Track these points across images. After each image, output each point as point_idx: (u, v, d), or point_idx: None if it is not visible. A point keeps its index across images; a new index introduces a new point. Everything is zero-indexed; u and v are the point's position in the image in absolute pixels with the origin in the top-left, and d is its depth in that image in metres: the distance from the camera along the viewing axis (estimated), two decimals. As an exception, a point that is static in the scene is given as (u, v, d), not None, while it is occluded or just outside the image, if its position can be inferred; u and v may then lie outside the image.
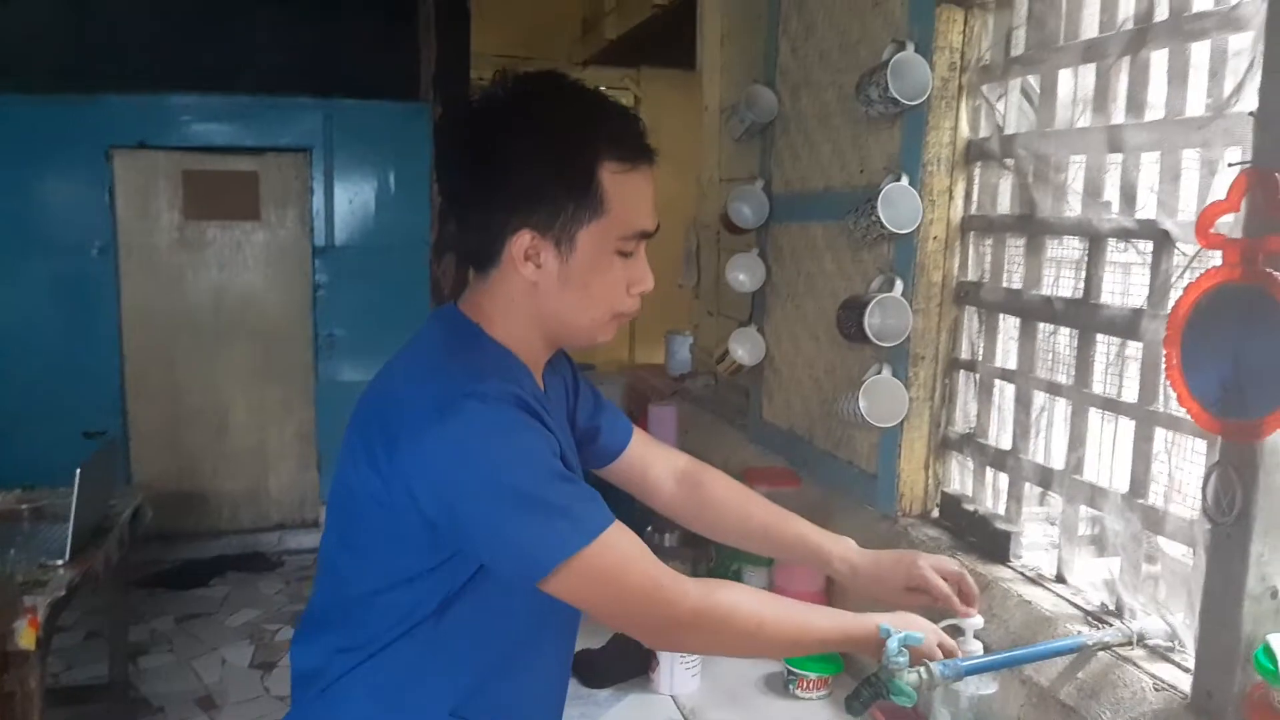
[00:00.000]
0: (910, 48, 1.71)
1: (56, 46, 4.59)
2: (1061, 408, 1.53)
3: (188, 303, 4.93)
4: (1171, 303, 1.18)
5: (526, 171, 1.09)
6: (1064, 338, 1.52)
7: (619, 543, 1.08)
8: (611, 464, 1.42)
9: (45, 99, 4.51)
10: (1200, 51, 1.27)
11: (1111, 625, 1.33)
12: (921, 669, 1.23)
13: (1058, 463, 1.52)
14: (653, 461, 1.45)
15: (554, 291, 1.13)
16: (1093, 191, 1.44)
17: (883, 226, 1.72)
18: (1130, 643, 1.29)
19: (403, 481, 1.06)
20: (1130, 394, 1.38)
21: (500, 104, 1.12)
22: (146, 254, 4.84)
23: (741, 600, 1.16)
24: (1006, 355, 1.66)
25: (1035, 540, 1.60)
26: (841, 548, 1.42)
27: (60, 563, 2.58)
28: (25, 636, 2.32)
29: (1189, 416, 1.16)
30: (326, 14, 4.78)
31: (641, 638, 1.16)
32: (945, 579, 1.34)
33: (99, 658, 3.60)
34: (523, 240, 1.10)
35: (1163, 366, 1.20)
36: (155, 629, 4.09)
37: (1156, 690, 1.21)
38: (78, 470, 2.60)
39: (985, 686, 1.35)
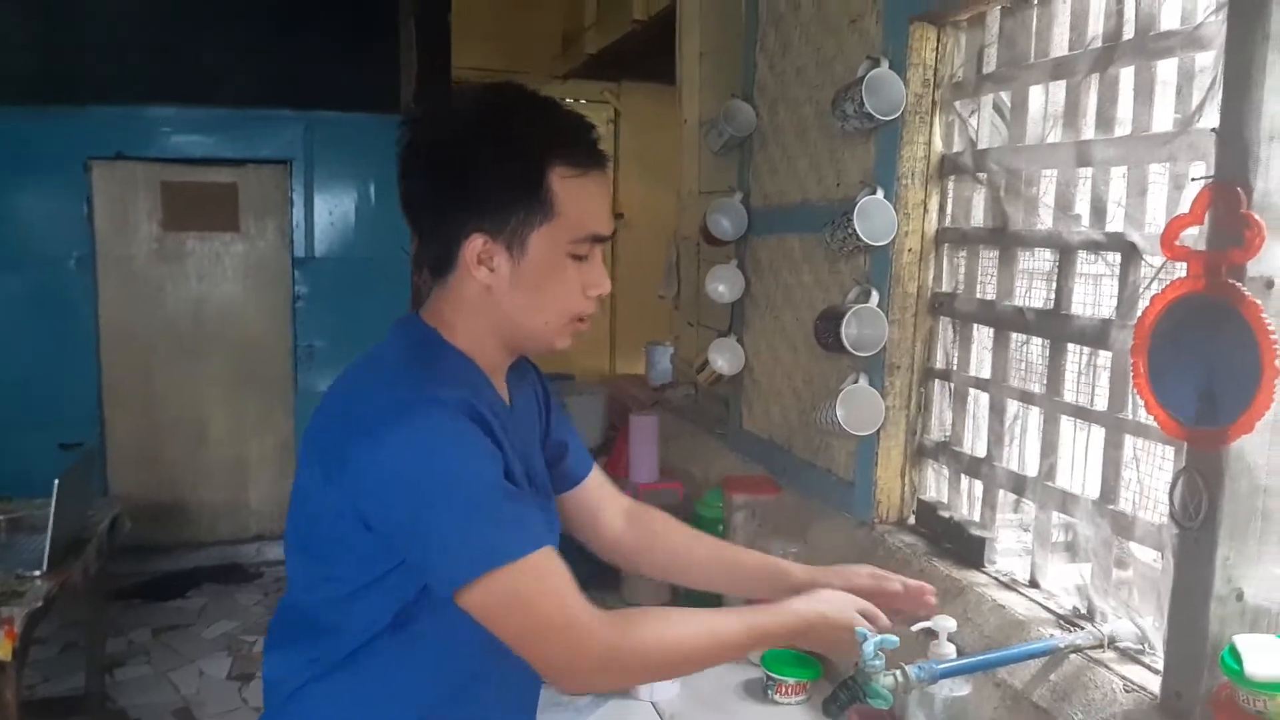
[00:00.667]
0: (885, 64, 1.74)
1: (33, 57, 4.56)
2: (1034, 416, 1.56)
3: (166, 314, 4.90)
4: (1139, 313, 1.22)
5: (478, 177, 1.12)
6: (1036, 347, 1.55)
7: (542, 569, 1.06)
8: (570, 491, 1.40)
9: (22, 110, 4.49)
10: (1166, 69, 1.31)
11: (1083, 628, 1.36)
12: (897, 672, 1.25)
13: (1031, 470, 1.55)
14: (607, 500, 1.44)
15: (507, 295, 1.14)
16: (1063, 205, 1.48)
17: (859, 239, 1.75)
18: (1101, 645, 1.32)
19: (351, 485, 1.07)
20: (1100, 402, 1.41)
21: (455, 113, 1.16)
22: (125, 265, 4.82)
23: (657, 629, 1.13)
24: (980, 365, 1.69)
25: (1009, 546, 1.62)
26: (799, 565, 1.40)
27: (37, 574, 2.57)
28: (2, 648, 2.31)
29: (1156, 424, 1.19)
30: (307, 27, 4.78)
31: (548, 676, 1.11)
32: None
33: (76, 669, 3.57)
34: (475, 244, 1.12)
35: (1131, 375, 1.23)
36: (133, 640, 4.06)
37: (1127, 691, 1.24)
38: (56, 481, 2.59)
39: (959, 689, 1.38)
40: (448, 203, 1.14)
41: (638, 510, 1.45)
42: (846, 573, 1.34)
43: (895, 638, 1.28)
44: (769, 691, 1.73)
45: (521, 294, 1.14)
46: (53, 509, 2.58)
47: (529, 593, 1.06)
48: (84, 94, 4.58)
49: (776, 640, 1.22)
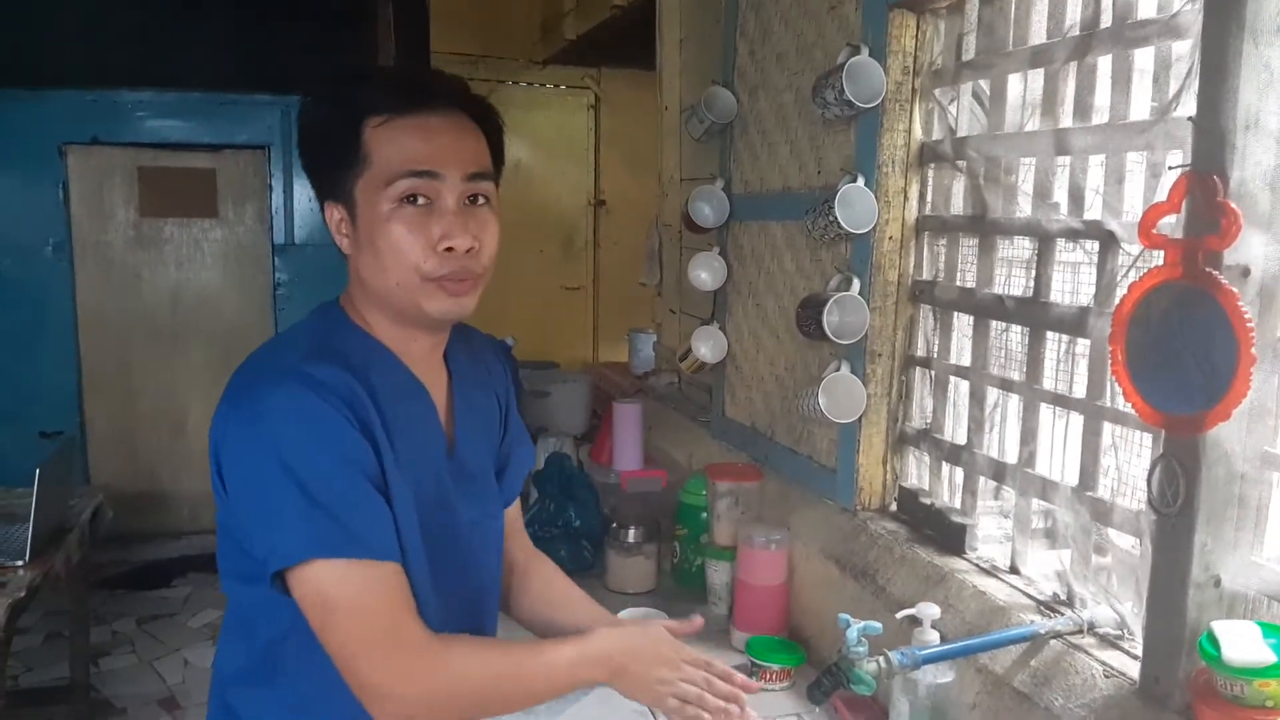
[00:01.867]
0: (865, 51, 1.74)
1: (5, 40, 4.49)
2: (1014, 403, 1.57)
3: (145, 301, 4.86)
4: (1117, 301, 1.22)
5: (311, 150, 1.15)
6: (1016, 335, 1.56)
7: (379, 579, 1.02)
8: None
9: (-6, 94, 4.43)
10: (1144, 58, 1.32)
11: (1063, 614, 1.37)
12: (880, 658, 1.26)
13: (1011, 457, 1.56)
14: (515, 536, 1.40)
15: (358, 259, 1.14)
16: (1042, 193, 1.48)
17: (840, 226, 1.75)
18: (1081, 631, 1.33)
19: (216, 450, 1.07)
20: (1079, 390, 1.42)
21: (301, 104, 1.19)
22: (102, 252, 4.77)
23: (473, 658, 1.08)
24: (961, 352, 1.70)
25: (990, 533, 1.64)
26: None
27: (20, 564, 2.55)
28: (-16, 640, 2.30)
29: (1134, 411, 1.20)
30: (285, 11, 4.73)
31: (370, 703, 1.02)
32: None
33: (60, 659, 3.55)
34: (330, 214, 1.15)
35: (1109, 363, 1.24)
36: (116, 630, 4.04)
37: (1106, 676, 1.26)
38: (37, 470, 2.57)
39: (942, 675, 1.39)
40: (312, 184, 1.17)
41: (534, 563, 1.42)
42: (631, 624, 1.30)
43: (878, 624, 1.30)
44: (754, 678, 1.73)
45: (367, 256, 1.12)
46: (34, 498, 2.56)
47: (357, 597, 1.01)
48: (59, 78, 4.52)
49: (595, 670, 1.13)
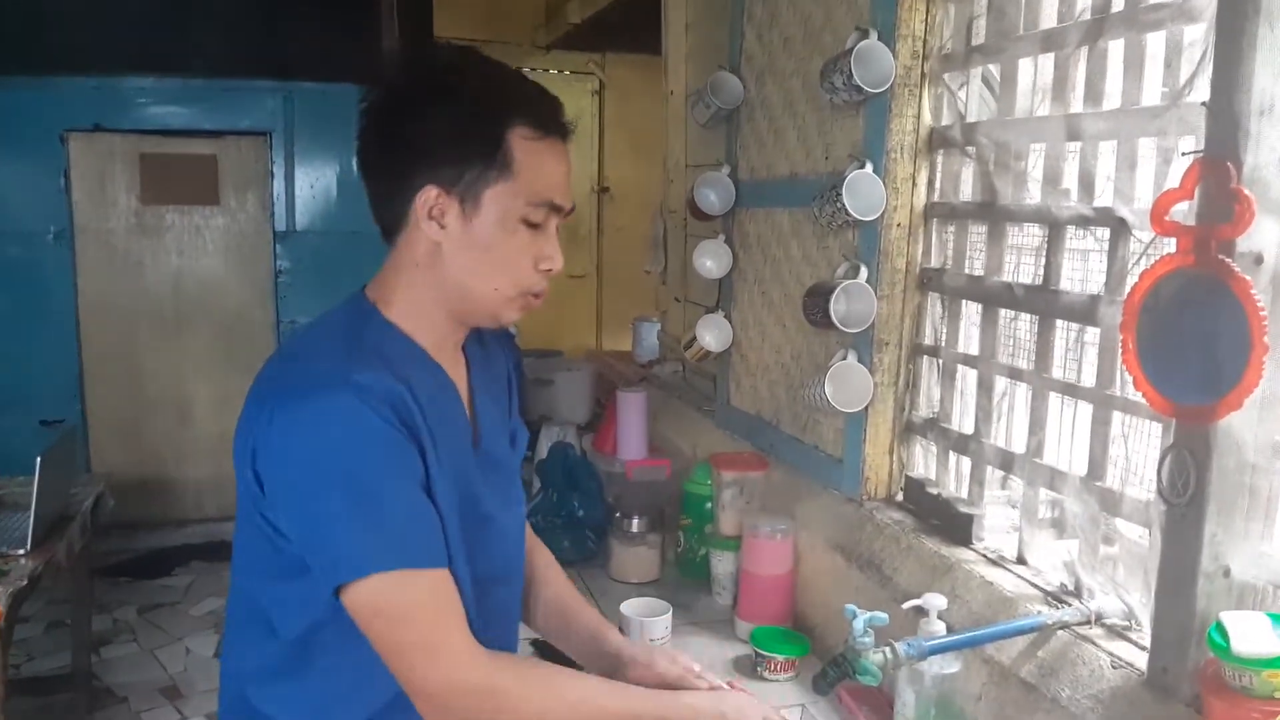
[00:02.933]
0: (873, 36, 1.72)
1: (7, 27, 4.48)
2: (1022, 392, 1.56)
3: (146, 289, 4.85)
4: (1128, 289, 1.21)
5: (435, 129, 1.10)
6: (1024, 323, 1.55)
7: (430, 588, 1.04)
8: None
9: (-5, 80, 4.42)
10: (1156, 42, 1.30)
11: (1070, 605, 1.36)
12: (886, 649, 1.25)
13: (1019, 447, 1.55)
14: None
15: (456, 254, 1.11)
16: (1052, 179, 1.47)
17: (847, 213, 1.73)
18: (1089, 622, 1.33)
19: (255, 460, 1.05)
20: (1089, 379, 1.41)
21: (414, 73, 1.14)
22: (103, 239, 4.76)
23: (538, 688, 1.09)
24: (969, 341, 1.69)
25: (997, 523, 1.63)
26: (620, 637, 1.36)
27: (21, 552, 2.55)
28: (-14, 628, 2.30)
29: (1145, 400, 1.19)
30: (286, -4, 4.72)
31: (414, 699, 1.05)
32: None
33: (62, 648, 3.56)
34: (428, 196, 1.10)
35: (1119, 351, 1.22)
36: (118, 619, 4.05)
37: (1114, 667, 1.25)
38: (38, 458, 2.57)
39: (948, 665, 1.38)
40: (402, 156, 1.11)
41: (543, 569, 1.43)
42: (665, 656, 1.32)
43: (884, 615, 1.29)
44: (758, 668, 1.73)
45: (471, 255, 1.11)
46: (35, 487, 2.56)
47: (403, 608, 1.02)
48: (60, 65, 4.50)
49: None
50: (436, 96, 1.10)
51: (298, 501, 1.03)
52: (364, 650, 1.07)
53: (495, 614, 1.21)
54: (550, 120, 1.13)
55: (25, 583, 2.43)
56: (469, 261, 1.11)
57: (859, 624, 1.28)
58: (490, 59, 1.15)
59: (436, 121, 1.10)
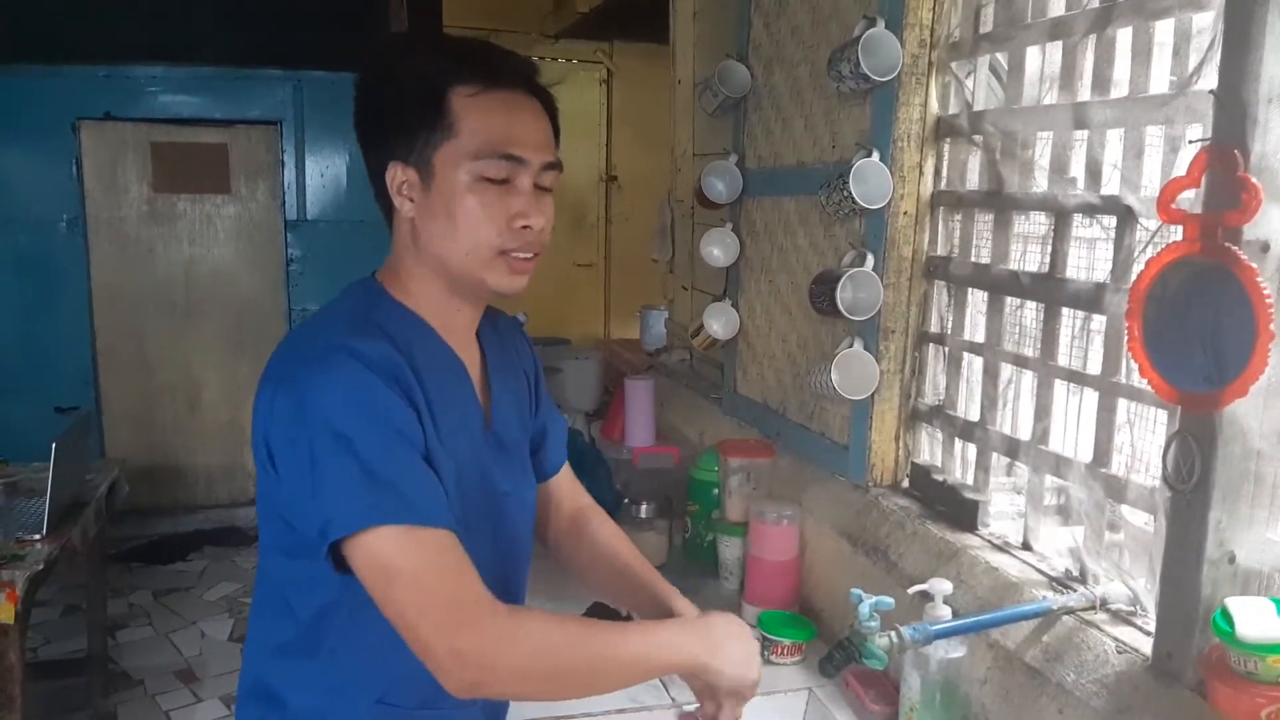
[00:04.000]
0: (881, 24, 1.72)
1: (19, 16, 4.50)
2: (1028, 380, 1.57)
3: (158, 277, 4.89)
4: (1134, 277, 1.21)
5: (385, 108, 1.13)
6: (1030, 311, 1.55)
7: (436, 545, 1.01)
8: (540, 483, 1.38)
9: (8, 70, 4.44)
10: (1164, 30, 1.30)
11: (1075, 590, 1.37)
12: (892, 633, 1.26)
13: (1024, 434, 1.56)
14: (564, 497, 1.42)
15: (426, 224, 1.12)
16: (1059, 168, 1.47)
17: (854, 202, 1.74)
18: (1094, 607, 1.33)
19: (264, 429, 1.06)
20: (1094, 366, 1.41)
21: (366, 66, 1.18)
22: (116, 227, 4.79)
23: (551, 630, 1.04)
24: (975, 329, 1.69)
25: (1002, 509, 1.63)
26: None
27: (37, 537, 2.58)
28: (4, 611, 2.32)
29: (1150, 387, 1.19)
30: (296, -15, 4.72)
31: (429, 662, 0.99)
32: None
33: (78, 632, 3.60)
34: (394, 174, 1.12)
35: (1125, 339, 1.23)
36: (133, 603, 4.09)
37: (1119, 652, 1.25)
38: (53, 445, 2.59)
39: (954, 650, 1.39)
40: (368, 144, 1.15)
41: (587, 513, 1.42)
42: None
43: (890, 599, 1.30)
44: (765, 652, 1.74)
45: (437, 222, 1.12)
46: (50, 472, 2.59)
47: (411, 564, 0.99)
48: (71, 53, 4.52)
49: (680, 651, 1.12)
50: (383, 78, 1.14)
51: (299, 469, 1.03)
52: (375, 630, 1.07)
53: (507, 587, 1.23)
54: (492, 72, 1.12)
55: (41, 567, 2.46)
56: (438, 229, 1.12)
57: (864, 608, 1.29)
58: (440, 35, 1.18)
59: (385, 101, 1.13)
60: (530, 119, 1.14)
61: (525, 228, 1.12)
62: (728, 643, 1.16)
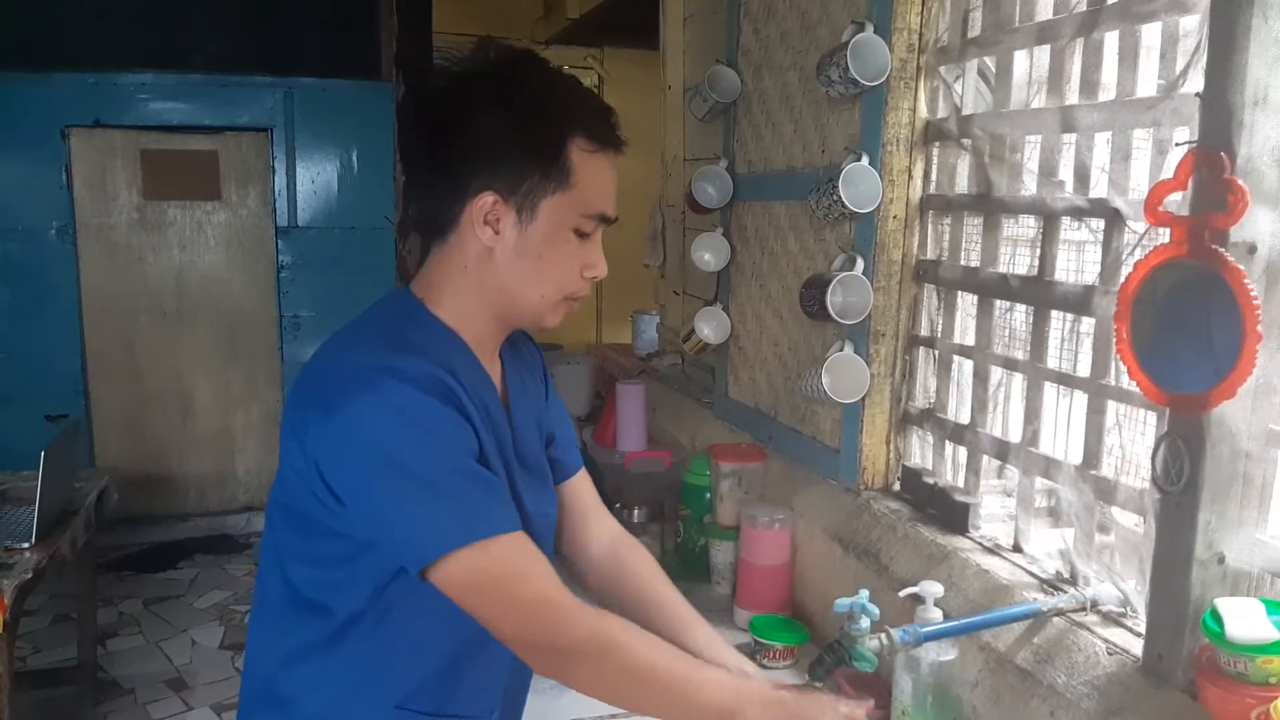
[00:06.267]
0: (869, 29, 1.73)
1: (7, 23, 4.48)
2: (1018, 382, 1.57)
3: (149, 284, 4.87)
4: (1122, 279, 1.22)
5: (497, 135, 1.09)
6: (1020, 314, 1.56)
7: (515, 551, 1.04)
8: (558, 485, 1.35)
9: (-3, 77, 4.43)
10: (1151, 33, 1.30)
11: (1066, 592, 1.37)
12: (882, 635, 1.26)
13: (1014, 436, 1.56)
14: (594, 513, 1.39)
15: (508, 261, 1.12)
16: (1047, 171, 1.48)
17: (844, 206, 1.74)
18: (1084, 609, 1.34)
19: (312, 455, 1.05)
20: (1083, 368, 1.42)
21: (478, 72, 1.13)
22: (106, 235, 4.77)
23: (635, 640, 1.09)
24: (965, 332, 1.70)
25: (993, 512, 1.64)
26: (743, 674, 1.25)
27: (26, 546, 2.57)
28: (-8, 621, 2.31)
29: (1139, 390, 1.20)
30: (285, -9, 4.72)
31: (526, 657, 1.07)
32: None
33: (67, 641, 3.58)
34: (484, 203, 1.10)
35: (1114, 341, 1.23)
36: (123, 612, 4.07)
37: (1109, 654, 1.26)
38: (42, 452, 2.58)
39: (945, 653, 1.39)
40: (460, 159, 1.11)
41: (626, 543, 1.38)
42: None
43: (874, 606, 1.30)
44: (757, 656, 1.74)
45: (523, 262, 1.12)
46: (39, 481, 2.57)
47: (499, 572, 1.03)
48: (60, 60, 4.51)
49: (750, 708, 1.11)
50: (497, 101, 1.10)
51: (369, 496, 1.03)
52: (401, 637, 1.10)
53: None
54: (608, 133, 1.14)
55: (30, 575, 2.44)
56: (520, 268, 1.12)
57: (857, 607, 1.29)
58: (549, 65, 1.15)
59: (497, 128, 1.09)
60: (616, 179, 1.17)
61: (593, 277, 1.17)
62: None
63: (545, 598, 1.04)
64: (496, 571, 1.03)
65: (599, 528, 1.38)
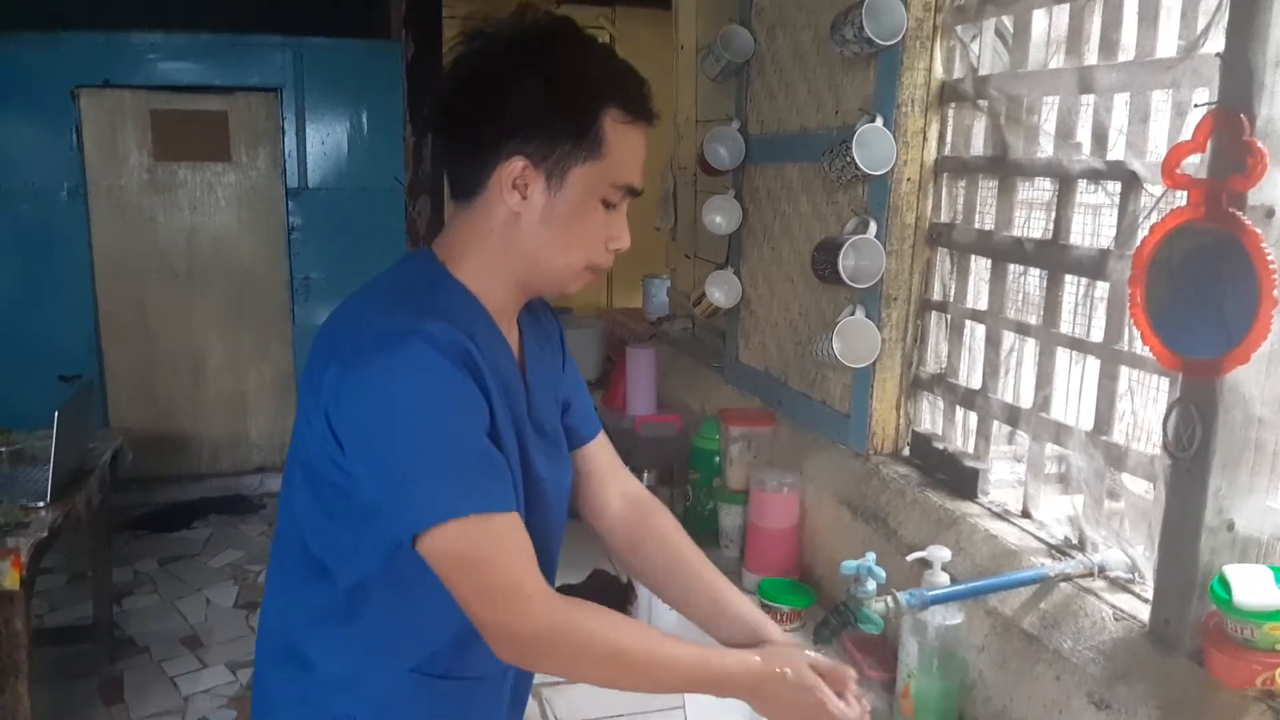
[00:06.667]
0: (886, -13, 1.70)
1: (15, -17, 4.46)
2: (1030, 347, 1.56)
3: (160, 245, 4.87)
4: (1138, 243, 1.20)
5: (532, 100, 1.08)
6: (1033, 278, 1.55)
7: (500, 533, 1.04)
8: (574, 451, 1.35)
9: (5, 38, 4.40)
10: (1172, -8, 1.28)
11: (1074, 558, 1.37)
12: (889, 598, 1.27)
13: (1025, 402, 1.55)
14: (614, 476, 1.38)
15: (534, 227, 1.12)
16: (1064, 133, 1.45)
17: (857, 168, 1.72)
18: (1091, 574, 1.34)
19: (328, 410, 1.05)
20: (1097, 334, 1.41)
21: (517, 35, 1.12)
22: (116, 196, 4.78)
23: (604, 625, 1.08)
24: (977, 296, 1.69)
25: (1003, 477, 1.64)
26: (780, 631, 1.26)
27: (41, 505, 2.60)
28: (9, 578, 2.34)
29: (1152, 355, 1.19)
30: (294, -50, 4.68)
31: (491, 642, 1.06)
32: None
33: (83, 599, 3.63)
34: (514, 167, 1.09)
35: (1128, 306, 1.22)
36: (139, 571, 4.12)
37: (1116, 619, 1.26)
38: (57, 412, 2.60)
39: (951, 616, 1.40)
40: (491, 121, 1.10)
41: (646, 504, 1.37)
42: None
43: (880, 568, 1.30)
44: (764, 619, 1.75)
45: (549, 229, 1.12)
46: (54, 440, 2.60)
47: (481, 553, 1.03)
48: (70, 21, 4.49)
49: (723, 687, 1.13)
50: (532, 69, 1.09)
51: (375, 453, 1.04)
52: (413, 601, 1.10)
53: (543, 569, 1.21)
54: (641, 105, 1.13)
55: (46, 534, 2.47)
56: (547, 235, 1.12)
57: (861, 571, 1.29)
58: (587, 36, 1.15)
59: (531, 95, 1.08)
60: (645, 151, 1.16)
61: (617, 249, 1.17)
62: (777, 704, 1.14)
63: (517, 585, 1.04)
64: (480, 550, 1.03)
65: (617, 489, 1.38)
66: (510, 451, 1.12)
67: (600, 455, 1.38)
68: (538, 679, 1.38)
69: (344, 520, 1.10)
